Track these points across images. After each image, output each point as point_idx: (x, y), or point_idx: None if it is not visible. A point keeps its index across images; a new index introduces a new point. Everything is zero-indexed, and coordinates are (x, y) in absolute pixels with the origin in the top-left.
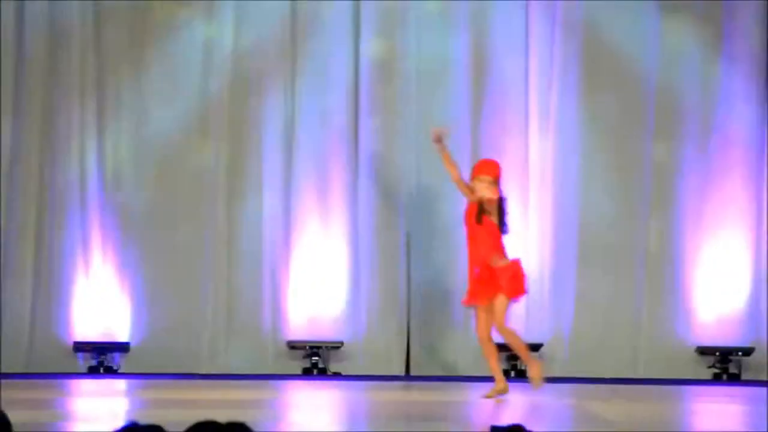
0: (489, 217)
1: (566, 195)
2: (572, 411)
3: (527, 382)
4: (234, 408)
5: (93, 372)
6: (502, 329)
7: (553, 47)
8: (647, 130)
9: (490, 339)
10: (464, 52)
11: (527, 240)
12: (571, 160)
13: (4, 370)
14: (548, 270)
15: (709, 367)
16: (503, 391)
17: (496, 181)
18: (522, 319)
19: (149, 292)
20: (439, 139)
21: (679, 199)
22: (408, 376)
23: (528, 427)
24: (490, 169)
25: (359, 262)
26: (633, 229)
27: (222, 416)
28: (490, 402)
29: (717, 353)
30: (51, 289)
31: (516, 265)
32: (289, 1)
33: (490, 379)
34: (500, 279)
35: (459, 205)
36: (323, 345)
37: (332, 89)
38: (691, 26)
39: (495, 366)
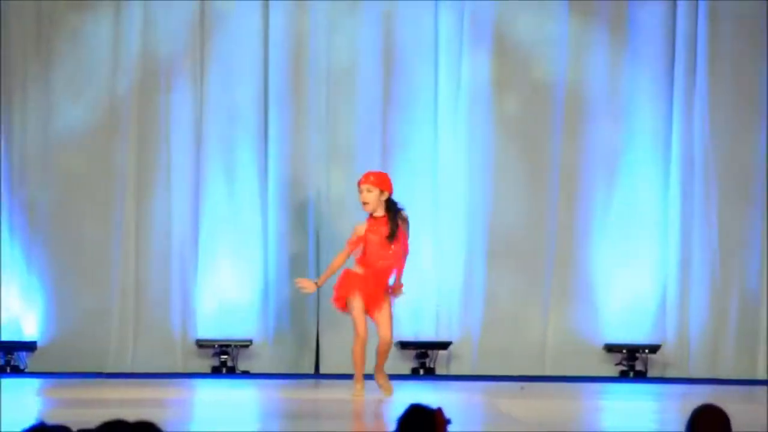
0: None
1: (476, 193)
2: (481, 409)
3: (437, 380)
4: (143, 407)
5: None
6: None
7: (462, 46)
8: (556, 130)
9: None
10: (374, 49)
11: (437, 238)
12: (480, 159)
13: None
14: (458, 269)
15: (617, 364)
16: (362, 394)
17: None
18: (432, 317)
19: (57, 290)
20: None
21: (587, 198)
22: (317, 375)
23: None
24: (367, 177)
25: (268, 261)
26: (542, 229)
27: (131, 415)
28: (397, 399)
29: (624, 351)
30: None
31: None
32: (198, 0)
33: (398, 377)
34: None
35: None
36: (232, 343)
37: (241, 87)
38: (598, 27)
39: (362, 370)
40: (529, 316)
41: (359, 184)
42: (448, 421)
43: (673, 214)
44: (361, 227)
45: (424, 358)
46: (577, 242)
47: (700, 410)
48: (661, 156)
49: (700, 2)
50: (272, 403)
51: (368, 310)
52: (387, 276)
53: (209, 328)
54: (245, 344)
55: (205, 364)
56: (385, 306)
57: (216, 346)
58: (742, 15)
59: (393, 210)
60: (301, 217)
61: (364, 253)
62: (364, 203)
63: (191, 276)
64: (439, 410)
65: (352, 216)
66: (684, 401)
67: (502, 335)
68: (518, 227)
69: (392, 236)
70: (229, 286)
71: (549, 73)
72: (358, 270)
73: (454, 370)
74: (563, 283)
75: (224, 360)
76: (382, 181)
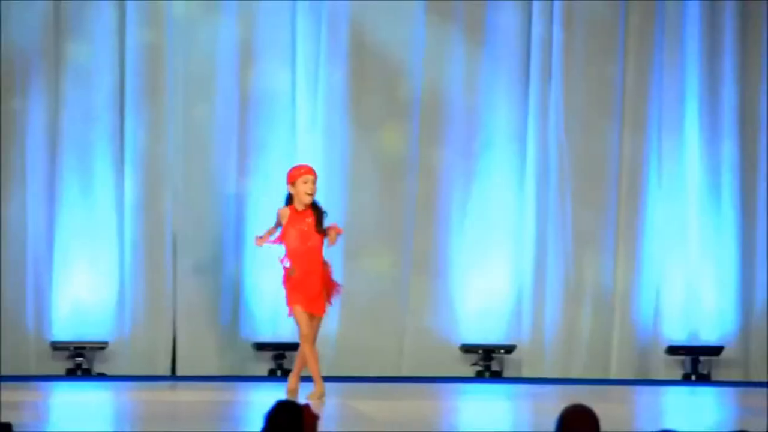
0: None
1: (333, 195)
2: (338, 410)
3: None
4: None
5: None
6: (312, 341)
7: (319, 46)
8: (413, 131)
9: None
10: (231, 49)
11: None
12: (338, 161)
13: None
14: None
15: (472, 364)
16: (323, 394)
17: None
18: (289, 319)
19: None
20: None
21: (444, 199)
22: (174, 376)
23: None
24: (310, 169)
25: (125, 262)
26: (399, 229)
27: None
28: (254, 402)
29: (480, 351)
30: None
31: None
32: (52, 1)
33: (255, 378)
34: (325, 284)
35: (226, 205)
36: (88, 345)
37: (98, 88)
38: (455, 28)
39: (317, 369)
40: (386, 316)
41: (309, 173)
42: (316, 417)
43: (529, 215)
44: (285, 211)
45: (281, 359)
46: (435, 243)
47: (569, 410)
48: (516, 158)
49: (554, 4)
50: (128, 405)
51: (310, 311)
52: (314, 272)
53: (64, 330)
54: (101, 346)
55: (60, 366)
56: (327, 305)
57: (71, 348)
58: (595, 17)
59: (315, 203)
60: (159, 218)
61: (287, 246)
62: (312, 195)
63: (46, 278)
64: (307, 406)
65: (210, 216)
66: (538, 401)
67: (359, 336)
68: (376, 228)
69: (320, 224)
70: (84, 288)
71: (406, 74)
72: (292, 271)
73: (308, 371)
74: (420, 284)
75: (79, 362)
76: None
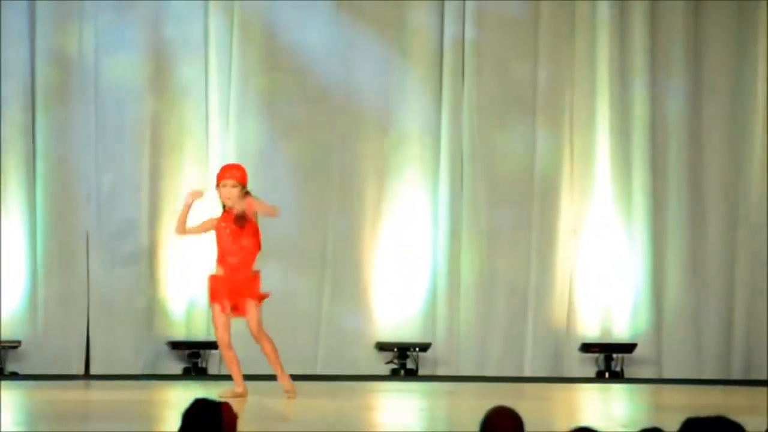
0: (251, 221)
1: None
2: (255, 408)
3: (208, 380)
4: None
5: None
6: (263, 335)
7: (231, 48)
8: (330, 132)
9: (231, 344)
10: (143, 50)
11: (206, 240)
12: (254, 162)
13: None
14: None
15: (387, 362)
16: (243, 395)
17: (242, 185)
18: (204, 317)
19: None
20: (192, 198)
21: (358, 197)
22: (87, 375)
23: None
24: (233, 173)
25: (37, 261)
26: (316, 230)
27: None
28: (170, 401)
29: (395, 349)
30: None
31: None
32: None
33: (169, 378)
34: (252, 285)
35: (137, 203)
36: (0, 344)
37: (7, 84)
38: (368, 28)
39: (238, 371)
40: (301, 315)
41: (223, 178)
42: (236, 415)
43: (442, 213)
44: (215, 219)
45: (196, 357)
46: (350, 243)
47: (494, 412)
48: (430, 156)
49: (467, 3)
50: (41, 405)
51: (236, 310)
52: (241, 272)
53: None
54: (14, 345)
55: None
56: (250, 305)
57: None
58: (507, 16)
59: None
60: (71, 217)
61: (216, 247)
62: (227, 199)
63: None
64: (227, 404)
65: (123, 213)
66: (453, 399)
67: (274, 335)
68: (290, 227)
69: (241, 219)
70: None
71: (323, 75)
72: (218, 271)
73: (224, 370)
74: (336, 283)
75: None
76: (244, 176)
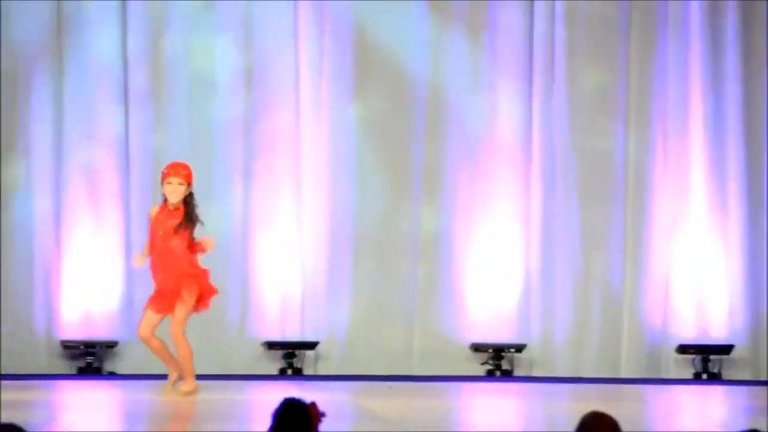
0: (187, 231)
1: (339, 194)
2: (349, 409)
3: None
4: (7, 409)
5: None
6: (181, 338)
7: (322, 47)
8: (418, 129)
9: (153, 338)
10: (233, 51)
11: (302, 240)
12: (343, 160)
13: None
14: (323, 268)
15: (483, 363)
16: (195, 391)
17: (187, 183)
18: (298, 317)
19: None
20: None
21: (451, 198)
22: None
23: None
24: (179, 170)
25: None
26: (406, 228)
27: None
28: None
29: (490, 350)
30: None
31: (206, 274)
32: (55, 1)
33: (265, 378)
34: (180, 287)
35: (231, 202)
36: (98, 344)
37: (101, 88)
38: (458, 27)
39: (168, 359)
40: (395, 316)
41: (168, 176)
42: (322, 414)
43: (535, 214)
44: (153, 210)
45: (291, 358)
46: (442, 241)
47: (590, 417)
48: (521, 152)
49: (556, 3)
50: (137, 405)
51: (163, 310)
52: (170, 273)
53: (74, 329)
54: (111, 345)
55: (71, 365)
56: (178, 306)
57: (81, 347)
58: (597, 16)
59: (191, 205)
60: None
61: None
62: (171, 195)
63: (55, 277)
64: (313, 404)
65: (213, 215)
66: (549, 400)
67: (368, 335)
68: (382, 226)
69: (180, 227)
70: (93, 287)
71: (410, 73)
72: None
73: (321, 370)
74: (428, 282)
75: (90, 361)
76: (189, 175)
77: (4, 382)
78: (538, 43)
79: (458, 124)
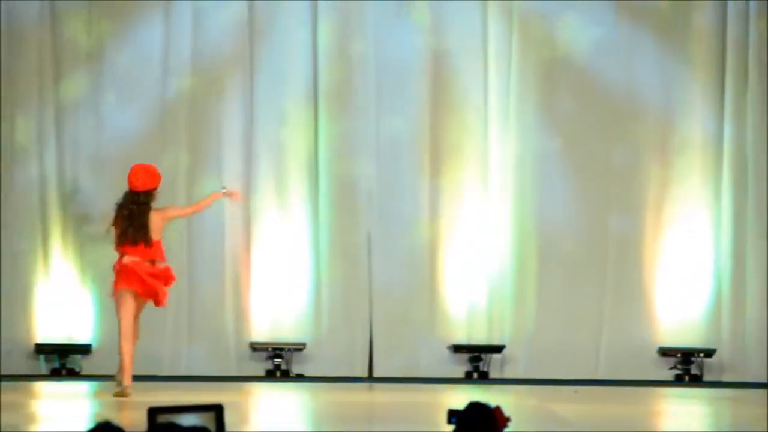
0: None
1: (526, 195)
2: (535, 412)
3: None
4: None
5: (55, 374)
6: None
7: (511, 48)
8: (606, 133)
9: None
10: (423, 52)
11: (488, 242)
12: (530, 161)
13: None
14: (510, 273)
15: (671, 368)
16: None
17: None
18: (485, 321)
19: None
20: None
21: (639, 200)
22: (371, 378)
23: None
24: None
25: (320, 263)
26: (594, 231)
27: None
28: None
29: (678, 354)
30: (12, 293)
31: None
32: (247, 1)
33: (451, 380)
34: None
35: (418, 204)
36: (286, 346)
37: (291, 90)
38: (647, 29)
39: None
40: (582, 319)
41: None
42: (507, 419)
43: (726, 219)
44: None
45: (477, 361)
46: (630, 244)
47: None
48: (711, 158)
49: (750, 3)
50: (326, 406)
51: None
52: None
53: (263, 332)
54: (299, 347)
55: (259, 367)
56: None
57: (270, 349)
58: None
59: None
60: (353, 219)
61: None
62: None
63: (244, 280)
64: (498, 408)
65: (403, 216)
66: (740, 406)
67: (555, 339)
68: (569, 229)
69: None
70: (282, 290)
71: (597, 76)
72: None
73: (507, 374)
74: (616, 287)
75: (278, 363)
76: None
77: (194, 384)
78: (730, 43)
79: (649, 127)
